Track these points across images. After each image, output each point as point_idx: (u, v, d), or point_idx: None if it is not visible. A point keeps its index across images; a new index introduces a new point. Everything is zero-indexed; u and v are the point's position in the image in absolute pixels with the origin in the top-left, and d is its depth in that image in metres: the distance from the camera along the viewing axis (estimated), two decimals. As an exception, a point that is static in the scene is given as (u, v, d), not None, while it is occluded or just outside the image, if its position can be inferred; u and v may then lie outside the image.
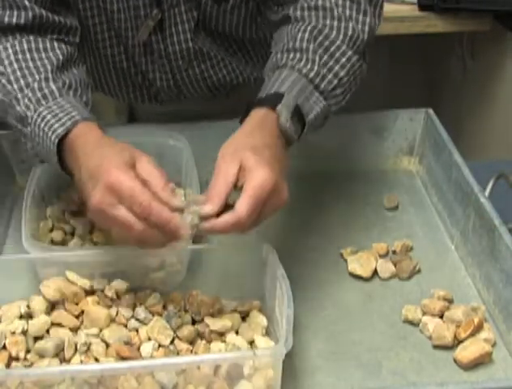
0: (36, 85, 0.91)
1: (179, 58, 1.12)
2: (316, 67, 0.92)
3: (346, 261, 1.00)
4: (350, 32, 0.95)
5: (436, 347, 0.88)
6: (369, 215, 1.11)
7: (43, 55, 0.95)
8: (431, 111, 1.18)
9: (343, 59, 0.94)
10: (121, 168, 0.79)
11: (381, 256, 1.01)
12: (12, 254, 1.01)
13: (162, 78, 1.15)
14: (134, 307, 0.88)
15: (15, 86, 0.92)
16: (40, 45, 0.96)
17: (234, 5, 1.08)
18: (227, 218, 0.79)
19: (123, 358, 0.81)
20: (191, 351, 0.84)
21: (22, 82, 0.92)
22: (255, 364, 0.78)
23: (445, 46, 2.01)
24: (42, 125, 0.88)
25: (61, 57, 0.96)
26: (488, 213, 0.94)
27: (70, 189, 1.03)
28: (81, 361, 0.82)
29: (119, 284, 0.90)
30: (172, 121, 1.13)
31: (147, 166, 0.82)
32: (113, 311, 0.87)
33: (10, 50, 0.95)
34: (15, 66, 0.93)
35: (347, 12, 0.96)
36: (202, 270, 0.93)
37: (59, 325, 0.86)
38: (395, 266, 0.99)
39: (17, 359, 0.82)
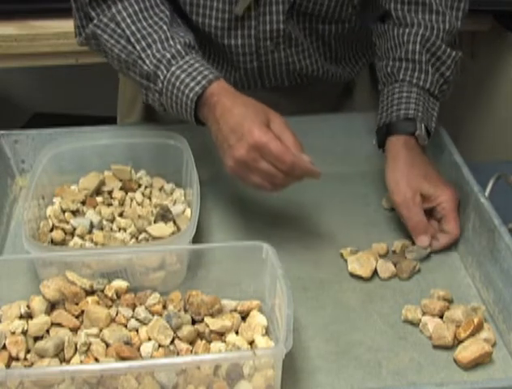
0: (159, 46, 1.02)
1: (268, 38, 1.13)
2: (430, 77, 1.08)
3: (346, 261, 1.00)
4: (447, 26, 1.09)
5: (436, 347, 0.88)
6: (369, 215, 1.11)
7: (152, 12, 1.05)
8: (431, 111, 1.18)
9: (449, 61, 1.09)
10: (262, 128, 0.92)
11: (381, 256, 1.01)
12: (12, 254, 1.01)
13: (246, 60, 1.16)
14: (134, 307, 0.88)
15: (138, 47, 1.03)
16: (147, 3, 1.05)
17: None
18: (446, 241, 1.02)
19: (123, 358, 0.81)
20: (191, 351, 0.84)
21: (143, 43, 1.03)
22: (255, 364, 0.78)
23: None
24: (177, 83, 0.99)
25: (168, 12, 1.06)
26: (488, 213, 0.94)
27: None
28: (81, 361, 0.82)
29: (119, 284, 0.90)
30: (174, 122, 1.13)
31: (280, 125, 0.94)
32: (113, 311, 0.87)
33: (124, 13, 1.04)
34: (133, 27, 1.03)
35: (443, 3, 1.10)
36: (202, 270, 0.93)
37: (59, 325, 0.86)
38: (395, 266, 0.99)
39: (17, 359, 0.82)
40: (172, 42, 1.02)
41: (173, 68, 1.00)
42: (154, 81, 1.02)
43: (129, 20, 1.04)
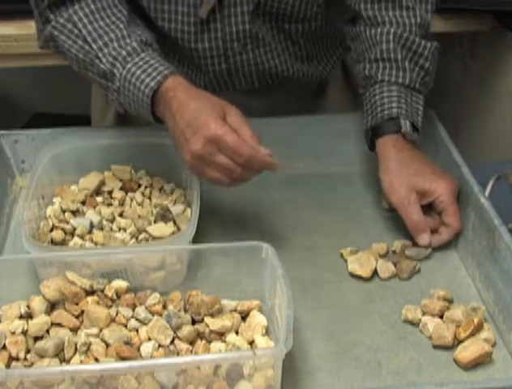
0: (115, 44, 1.01)
1: (234, 40, 1.13)
2: (409, 73, 1.08)
3: (346, 261, 1.00)
4: (419, 20, 1.10)
5: (436, 347, 0.88)
6: (369, 215, 1.11)
7: (109, 12, 1.05)
8: (431, 111, 1.18)
9: (425, 52, 1.10)
10: (218, 121, 0.91)
11: (381, 256, 1.01)
12: (12, 254, 1.01)
13: (215, 62, 1.16)
14: (134, 307, 0.88)
15: (94, 46, 1.02)
16: (104, 3, 1.05)
17: None
18: (448, 235, 1.01)
19: (123, 358, 0.81)
20: (191, 351, 0.84)
21: (100, 42, 1.02)
22: (255, 364, 0.78)
23: (445, 46, 2.00)
24: (133, 80, 0.98)
25: (126, 12, 1.06)
26: (488, 213, 0.94)
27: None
28: (81, 361, 0.82)
29: (119, 284, 0.90)
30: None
31: (237, 118, 0.94)
32: (113, 311, 0.87)
33: (80, 13, 1.04)
34: (89, 27, 1.03)
35: None
36: (202, 270, 0.93)
37: (59, 325, 0.86)
38: (395, 266, 0.99)
39: (17, 359, 0.82)
40: (128, 40, 1.02)
41: (129, 65, 1.00)
42: (111, 80, 1.01)
43: (85, 20, 1.04)
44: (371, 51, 1.10)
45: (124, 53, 1.00)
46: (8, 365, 0.82)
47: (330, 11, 1.18)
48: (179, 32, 1.12)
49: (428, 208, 1.02)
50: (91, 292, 0.89)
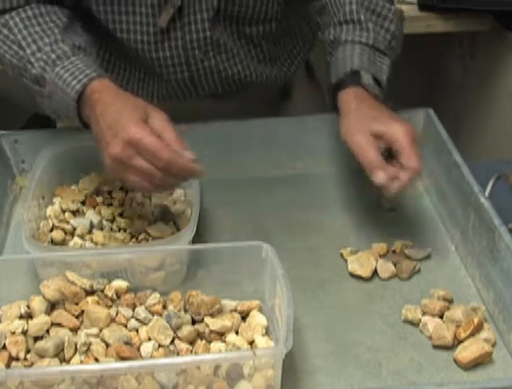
0: (48, 48, 1.00)
1: (196, 47, 1.13)
2: (372, 34, 1.07)
3: (346, 261, 1.00)
4: None
5: (436, 347, 0.88)
6: (369, 215, 1.11)
7: (47, 18, 1.03)
8: (431, 111, 1.18)
9: (390, 14, 1.09)
10: (138, 124, 0.87)
11: (381, 256, 1.01)
12: (12, 254, 1.01)
13: (177, 70, 1.15)
14: (134, 307, 0.88)
15: (28, 51, 1.00)
16: (43, 9, 1.04)
17: None
18: (408, 176, 0.94)
19: (123, 358, 0.81)
20: (191, 351, 0.84)
21: (34, 46, 1.00)
22: (255, 364, 0.78)
23: (445, 46, 2.01)
24: (60, 83, 0.97)
25: (65, 19, 1.05)
26: (488, 213, 0.94)
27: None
28: (81, 361, 0.82)
29: (119, 284, 0.90)
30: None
31: (160, 121, 0.90)
32: (113, 311, 0.87)
33: (17, 18, 1.03)
34: (25, 32, 1.02)
35: None
36: (202, 270, 0.93)
37: (59, 325, 0.86)
38: (395, 266, 0.99)
39: (17, 359, 0.82)
40: (61, 44, 1.00)
41: (58, 68, 0.98)
42: (43, 84, 1.00)
43: (21, 25, 1.02)
44: (335, 16, 1.10)
45: (54, 56, 0.99)
46: (8, 365, 0.82)
47: (289, 8, 1.18)
48: (139, 43, 1.12)
49: (390, 158, 0.98)
50: (91, 292, 0.89)
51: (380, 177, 0.94)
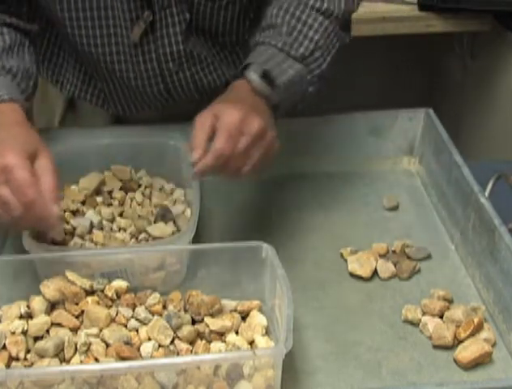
0: None
1: (170, 60, 1.12)
2: (285, 38, 1.01)
3: (346, 261, 1.00)
4: (325, 5, 1.03)
5: (436, 347, 0.88)
6: (369, 215, 1.11)
7: None
8: (431, 111, 1.18)
9: (315, 24, 1.02)
10: (18, 154, 0.85)
11: (381, 256, 1.01)
12: (12, 254, 1.01)
13: (152, 83, 1.15)
14: (134, 307, 0.88)
15: None
16: None
17: (229, 0, 1.09)
18: (211, 157, 0.89)
19: (123, 358, 0.81)
20: (191, 351, 0.84)
21: None
22: (255, 364, 0.78)
23: (445, 46, 2.01)
24: None
25: (7, 42, 1.02)
26: (488, 213, 0.94)
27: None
28: (81, 361, 0.82)
29: (119, 284, 0.90)
30: (171, 123, 1.13)
31: (46, 163, 0.88)
32: (113, 311, 0.87)
33: None
34: None
35: None
36: (202, 270, 0.93)
37: (59, 325, 0.86)
38: (395, 266, 0.99)
39: (17, 359, 0.82)
40: None
41: None
42: None
43: None
44: (263, 22, 1.05)
45: None
46: (8, 365, 0.82)
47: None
48: (114, 56, 1.11)
49: None
50: (91, 292, 0.89)
51: (194, 156, 0.90)
